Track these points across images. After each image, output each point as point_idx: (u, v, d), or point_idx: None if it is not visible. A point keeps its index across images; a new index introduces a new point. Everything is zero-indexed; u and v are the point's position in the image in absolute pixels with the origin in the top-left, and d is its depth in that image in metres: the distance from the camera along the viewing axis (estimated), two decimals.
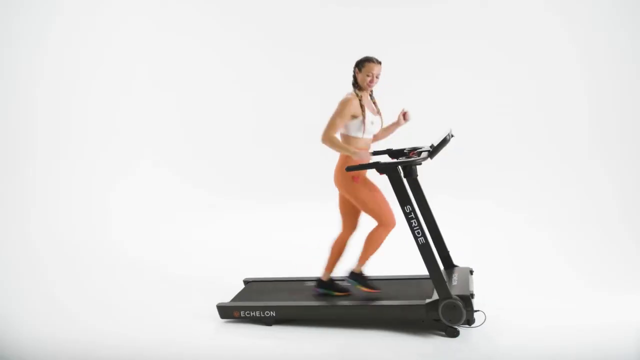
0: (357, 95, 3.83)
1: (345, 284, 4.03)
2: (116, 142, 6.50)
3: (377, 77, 3.84)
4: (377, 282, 4.01)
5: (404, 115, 3.97)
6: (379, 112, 3.96)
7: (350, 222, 4.03)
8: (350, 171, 3.73)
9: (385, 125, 4.02)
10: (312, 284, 4.15)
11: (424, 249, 3.61)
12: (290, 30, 6.74)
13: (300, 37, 6.71)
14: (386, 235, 3.87)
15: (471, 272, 4.10)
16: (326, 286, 4.09)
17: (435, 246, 3.95)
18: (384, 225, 3.84)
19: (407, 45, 6.53)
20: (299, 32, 6.72)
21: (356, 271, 3.98)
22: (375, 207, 3.82)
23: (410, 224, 3.63)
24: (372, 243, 3.88)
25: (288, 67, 6.74)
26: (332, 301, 3.92)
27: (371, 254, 3.92)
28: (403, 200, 3.65)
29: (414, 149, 4.00)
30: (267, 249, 5.45)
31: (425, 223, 3.95)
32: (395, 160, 3.85)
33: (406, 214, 3.63)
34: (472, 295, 3.62)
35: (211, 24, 6.79)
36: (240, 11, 6.79)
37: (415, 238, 3.61)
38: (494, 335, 3.61)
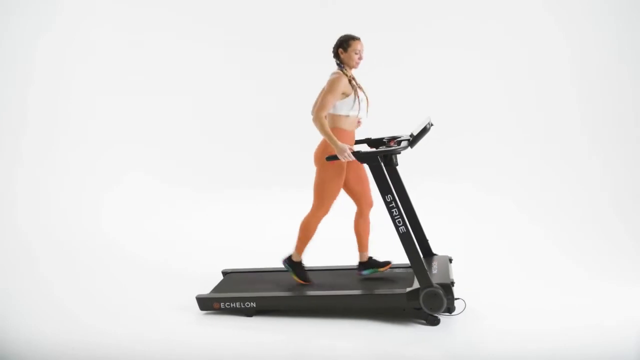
0: (346, 73, 3.80)
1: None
2: (114, 143, 6.51)
3: (362, 54, 3.83)
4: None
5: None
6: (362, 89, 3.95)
7: (363, 199, 4.01)
8: (330, 161, 3.73)
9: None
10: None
11: (405, 238, 3.62)
12: (279, 25, 6.64)
13: (285, 31, 6.60)
14: (317, 223, 3.90)
15: (450, 260, 4.10)
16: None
17: (415, 235, 3.93)
18: (317, 210, 3.86)
19: (392, 30, 6.42)
20: (285, 26, 6.61)
21: (295, 259, 4.03)
22: (325, 191, 3.83)
23: (391, 213, 3.63)
24: (305, 231, 3.94)
25: (255, 62, 6.64)
26: (313, 291, 3.92)
27: (307, 242, 3.97)
28: (384, 189, 3.65)
29: (394, 137, 4.00)
30: (264, 244, 5.40)
31: (405, 212, 3.92)
32: (375, 149, 3.84)
33: (387, 203, 3.64)
34: (452, 283, 3.62)
35: (207, 24, 6.71)
36: (229, 15, 6.73)
37: (396, 227, 3.62)
38: (474, 323, 3.62)
